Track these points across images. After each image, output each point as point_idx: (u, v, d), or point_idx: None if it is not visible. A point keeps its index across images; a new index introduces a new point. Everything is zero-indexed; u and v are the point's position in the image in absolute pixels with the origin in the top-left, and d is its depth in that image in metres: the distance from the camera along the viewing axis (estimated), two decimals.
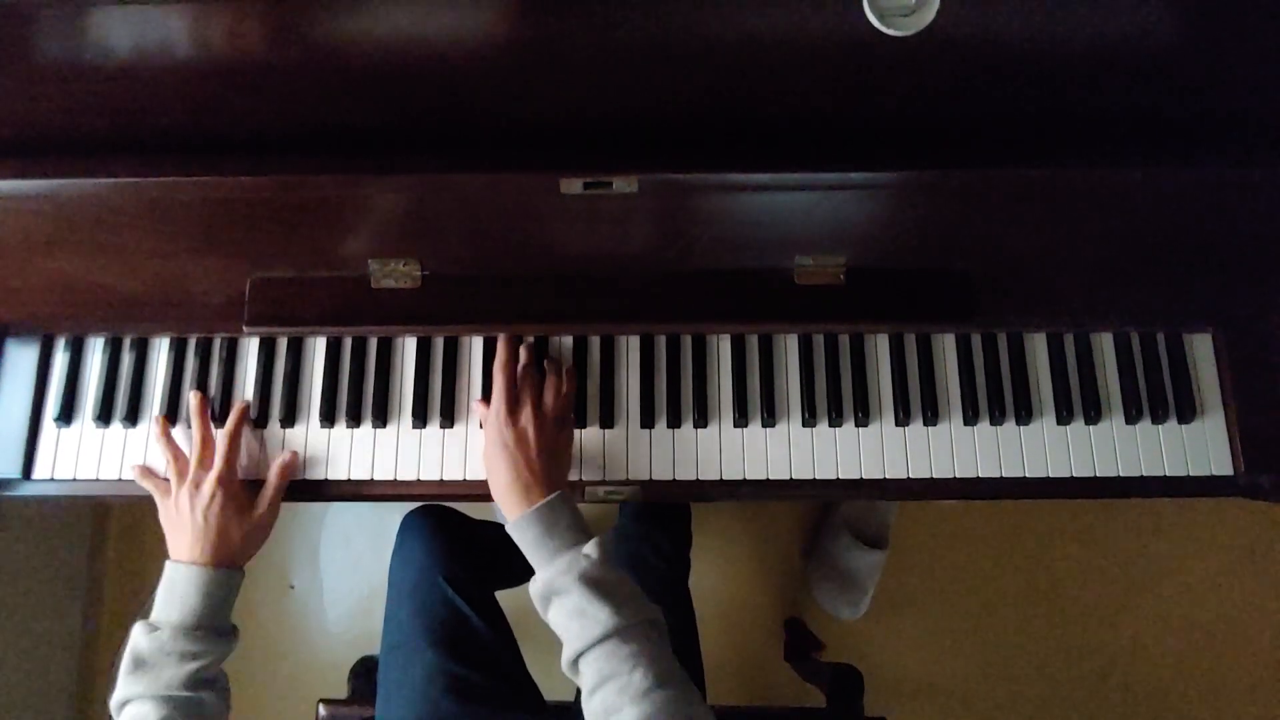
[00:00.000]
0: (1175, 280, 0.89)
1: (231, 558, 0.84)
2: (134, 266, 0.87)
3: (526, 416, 0.84)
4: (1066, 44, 0.79)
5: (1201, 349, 0.94)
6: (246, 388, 0.93)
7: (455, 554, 1.02)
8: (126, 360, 0.94)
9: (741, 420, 0.92)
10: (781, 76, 0.79)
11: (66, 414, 0.92)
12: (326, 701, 1.11)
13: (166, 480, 0.87)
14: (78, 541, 1.58)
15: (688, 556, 1.21)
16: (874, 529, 1.56)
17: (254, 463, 0.91)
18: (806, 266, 0.87)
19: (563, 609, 0.74)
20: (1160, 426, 0.92)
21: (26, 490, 0.91)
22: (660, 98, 0.80)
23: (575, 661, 0.72)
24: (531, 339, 0.93)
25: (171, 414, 0.92)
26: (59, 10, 0.76)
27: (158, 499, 0.87)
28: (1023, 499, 0.92)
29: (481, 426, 0.91)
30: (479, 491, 0.90)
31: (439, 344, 0.94)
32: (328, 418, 0.92)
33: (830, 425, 0.92)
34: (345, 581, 1.65)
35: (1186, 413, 0.91)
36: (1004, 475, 0.90)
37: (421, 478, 0.91)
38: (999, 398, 0.92)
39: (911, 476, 0.91)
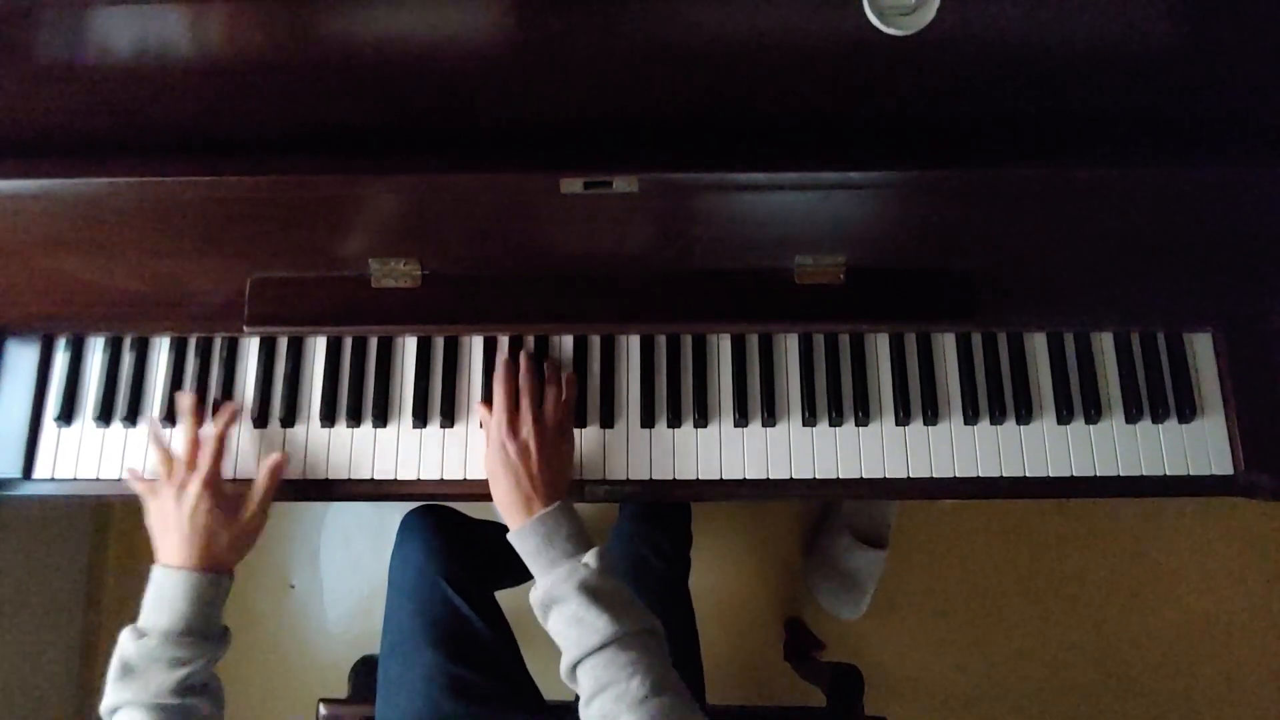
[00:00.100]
0: (1175, 280, 0.89)
1: (220, 561, 0.82)
2: (134, 266, 0.87)
3: (528, 428, 0.84)
4: (1066, 44, 0.79)
5: (1201, 349, 0.94)
6: (247, 388, 0.93)
7: (455, 554, 1.02)
8: (127, 360, 0.94)
9: (742, 420, 0.92)
10: (781, 76, 0.79)
11: (67, 414, 0.92)
12: (326, 701, 1.11)
13: (154, 482, 0.86)
14: (78, 541, 1.58)
15: (688, 556, 1.21)
16: (874, 529, 1.56)
17: (253, 463, 0.91)
18: (806, 266, 0.87)
19: (562, 617, 0.74)
20: (1160, 426, 0.92)
21: (27, 490, 0.91)
22: (660, 98, 0.80)
23: (573, 669, 0.73)
24: (531, 347, 0.93)
25: (172, 414, 0.92)
26: (59, 10, 0.76)
27: (146, 501, 0.85)
28: (1023, 499, 0.93)
29: (482, 427, 0.91)
30: (479, 491, 0.90)
31: (439, 344, 0.94)
32: (328, 418, 0.92)
33: (830, 425, 0.92)
34: (345, 581, 1.65)
35: (1186, 412, 0.91)
36: (1004, 475, 0.90)
37: (421, 477, 0.91)
38: (999, 397, 0.92)
39: (911, 476, 0.91)
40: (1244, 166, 0.80)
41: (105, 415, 0.92)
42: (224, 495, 0.84)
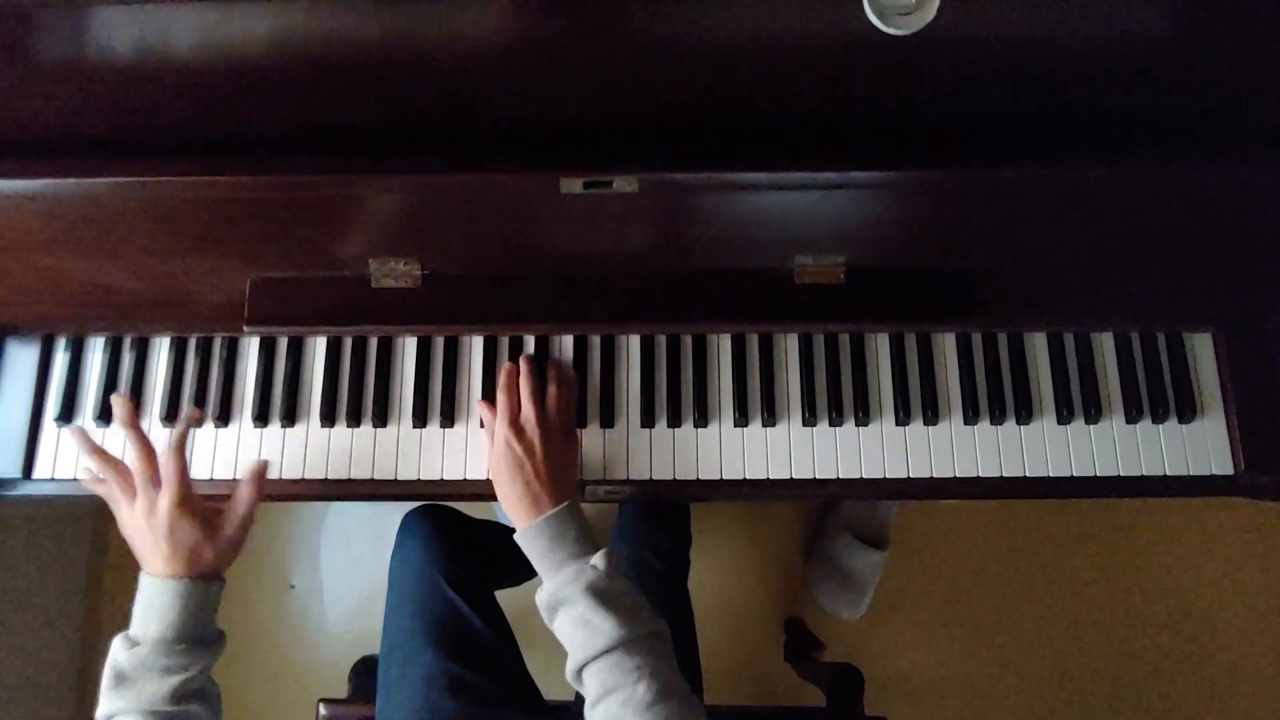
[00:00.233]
0: (1175, 280, 0.89)
1: (207, 569, 0.78)
2: (134, 266, 0.87)
3: (532, 429, 0.85)
4: (1067, 43, 0.79)
5: (1201, 349, 0.94)
6: (247, 388, 0.93)
7: (455, 554, 1.02)
8: (127, 360, 0.94)
9: (742, 420, 0.92)
10: (781, 76, 0.79)
11: (67, 413, 0.92)
12: (326, 701, 1.11)
13: (111, 489, 0.80)
14: (78, 541, 1.58)
15: (688, 556, 1.21)
16: (874, 529, 1.56)
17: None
18: (806, 266, 0.87)
19: (569, 619, 0.74)
20: (1160, 426, 0.92)
21: (27, 490, 0.91)
22: (660, 98, 0.80)
23: (579, 672, 0.73)
24: (531, 347, 0.93)
25: (171, 414, 0.92)
26: (59, 10, 0.76)
27: (115, 510, 0.80)
28: (1023, 499, 0.93)
29: (483, 426, 0.91)
30: (479, 491, 0.90)
31: (439, 344, 0.94)
32: (328, 418, 0.92)
33: (830, 425, 0.92)
34: (345, 581, 1.65)
35: (1187, 412, 0.91)
36: (1004, 475, 0.90)
37: (421, 477, 0.91)
38: (999, 397, 0.92)
39: (911, 476, 0.91)
40: (1244, 166, 0.80)
41: (105, 415, 0.92)
42: (199, 508, 0.78)
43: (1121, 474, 0.90)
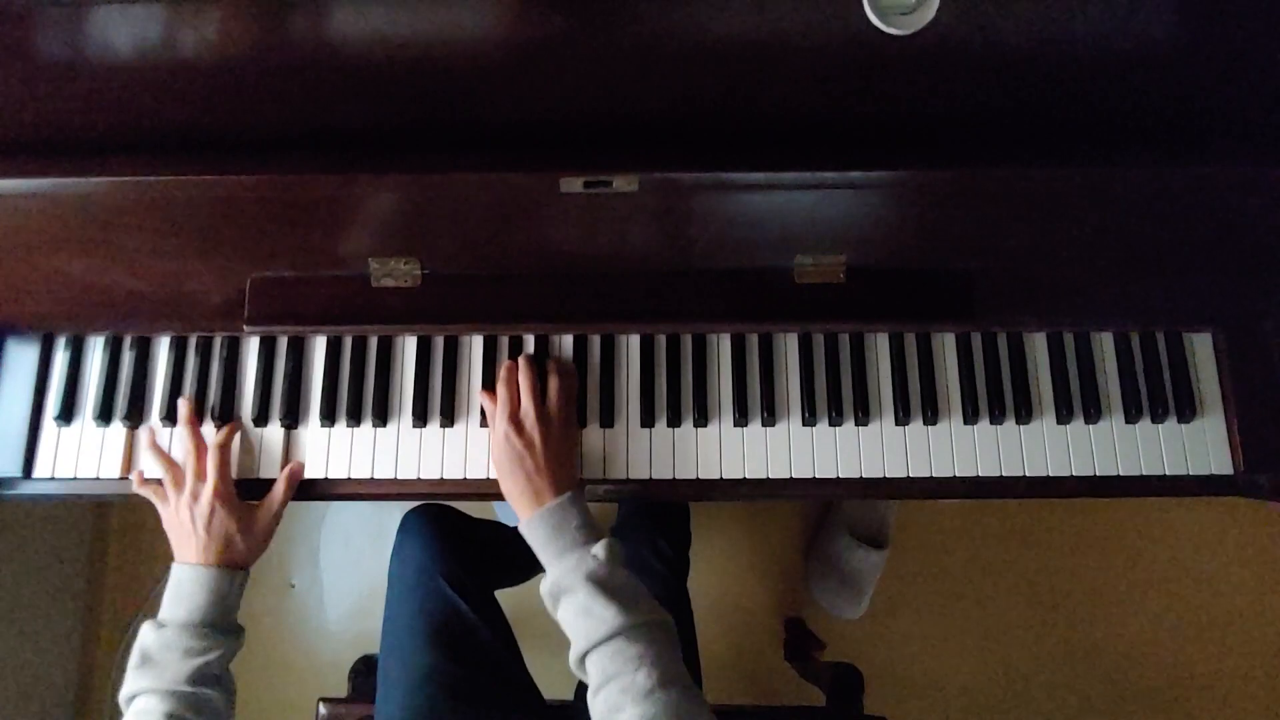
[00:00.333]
0: (1175, 280, 0.89)
1: (236, 560, 0.85)
2: (134, 266, 0.87)
3: (533, 421, 0.85)
4: (1066, 43, 0.79)
5: (1201, 349, 0.94)
6: (247, 387, 0.93)
7: (455, 553, 1.02)
8: (127, 359, 0.94)
9: (741, 420, 0.92)
10: (781, 76, 0.79)
11: (67, 413, 0.92)
12: (326, 701, 1.11)
13: (161, 487, 0.88)
14: (78, 541, 1.58)
15: (687, 557, 1.21)
16: (874, 529, 1.56)
17: (253, 462, 0.91)
18: (806, 266, 0.87)
19: (570, 607, 0.75)
20: (1160, 426, 0.92)
21: (27, 489, 0.91)
22: (660, 97, 0.80)
23: (582, 659, 0.73)
24: (531, 347, 0.93)
25: (172, 414, 0.92)
26: (59, 10, 0.76)
27: (159, 506, 0.88)
28: (1023, 498, 0.92)
29: (484, 419, 0.91)
30: (479, 491, 0.90)
31: (439, 343, 0.94)
32: (328, 417, 0.92)
33: (830, 425, 0.92)
34: (345, 581, 1.65)
35: (1186, 412, 0.91)
36: (1004, 475, 0.90)
37: (421, 477, 0.91)
38: (999, 397, 0.92)
39: (911, 476, 0.91)
40: (1244, 166, 0.80)
41: (105, 415, 0.92)
42: (236, 502, 0.86)
43: (1121, 474, 0.90)
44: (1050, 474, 0.90)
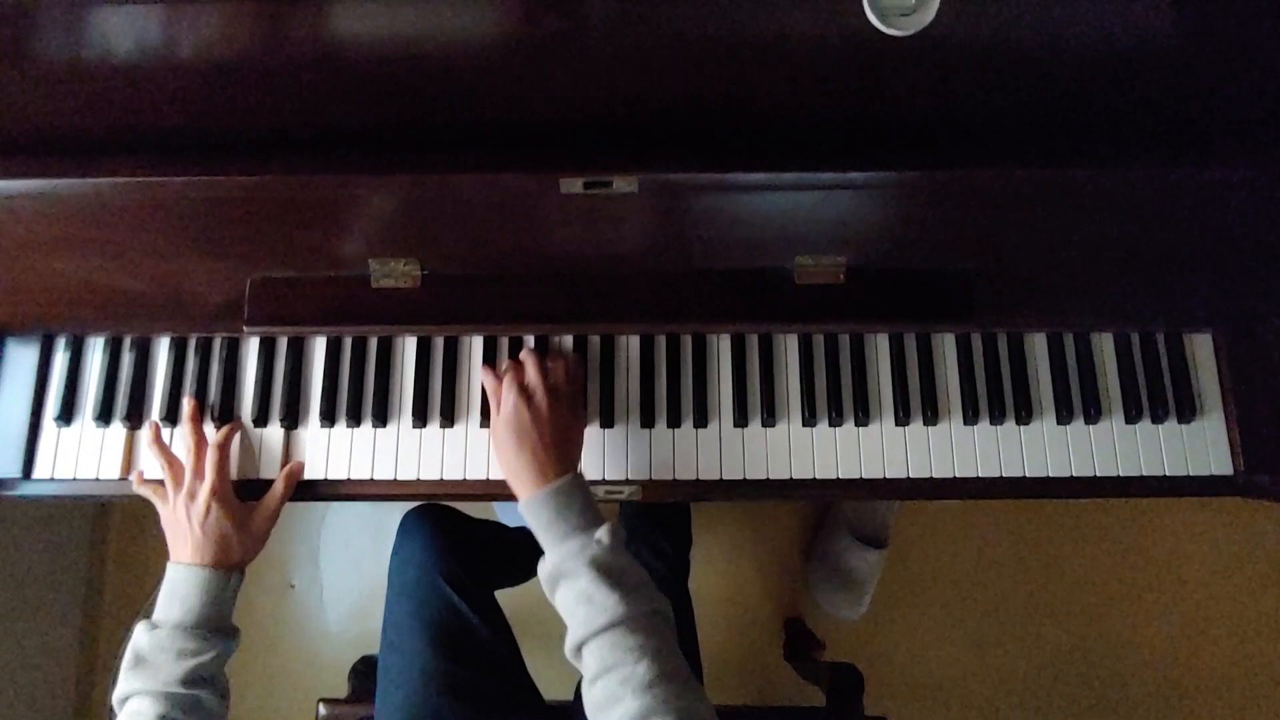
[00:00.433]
0: (1175, 280, 0.89)
1: (231, 560, 0.85)
2: (134, 266, 0.87)
3: (540, 396, 0.84)
4: (1066, 44, 0.79)
5: (1201, 349, 0.94)
6: (247, 387, 0.93)
7: (455, 554, 1.02)
8: (126, 360, 0.94)
9: (741, 420, 0.92)
10: (781, 76, 0.79)
11: (67, 414, 0.92)
12: (326, 701, 1.11)
13: (164, 486, 0.88)
14: (78, 541, 1.58)
15: (688, 558, 1.21)
16: (874, 529, 1.56)
17: (253, 462, 0.91)
18: (806, 266, 0.87)
19: (570, 592, 0.74)
20: (1160, 426, 0.92)
21: (26, 490, 0.91)
22: (660, 98, 0.80)
23: (579, 648, 0.72)
24: (531, 347, 0.93)
25: (172, 414, 0.92)
26: (59, 10, 0.76)
27: (157, 505, 0.87)
28: (1023, 499, 0.93)
29: (484, 419, 0.91)
30: (479, 491, 0.90)
31: (439, 344, 0.94)
32: (328, 418, 0.92)
33: (830, 425, 0.92)
34: (345, 581, 1.65)
35: (1186, 412, 0.91)
36: (1004, 475, 0.90)
37: (421, 477, 0.91)
38: (999, 397, 0.92)
39: (911, 476, 0.91)
40: (1244, 167, 0.80)
41: (105, 415, 0.92)
42: (233, 502, 0.86)
43: (1121, 474, 0.90)
44: (1050, 474, 0.90)
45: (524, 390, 0.84)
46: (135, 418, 0.92)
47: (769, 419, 0.92)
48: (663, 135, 0.80)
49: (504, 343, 0.94)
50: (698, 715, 0.67)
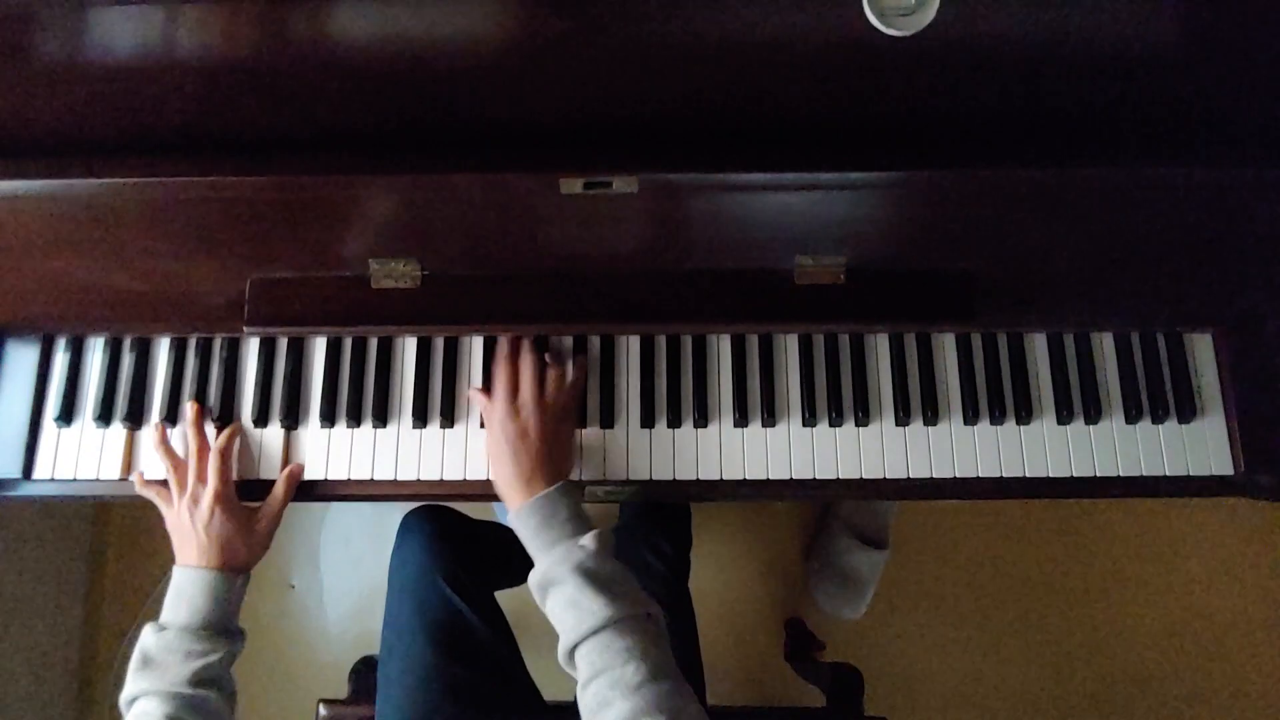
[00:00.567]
0: (1175, 280, 0.89)
1: (236, 562, 0.85)
2: (134, 266, 0.87)
3: (529, 408, 0.85)
4: (1067, 44, 0.79)
5: (1201, 349, 0.94)
6: (247, 388, 0.93)
7: (455, 554, 1.02)
8: (127, 360, 0.94)
9: (741, 420, 0.92)
10: (781, 76, 0.79)
11: (67, 414, 0.92)
12: (326, 701, 1.11)
13: (167, 487, 0.88)
14: (78, 541, 1.58)
15: (688, 558, 1.21)
16: (874, 529, 1.56)
17: (253, 463, 0.91)
18: (806, 266, 0.87)
19: (559, 599, 0.74)
20: (1160, 426, 0.92)
21: (26, 490, 0.91)
22: (660, 98, 0.80)
23: (571, 653, 0.73)
24: (533, 335, 0.93)
25: (172, 415, 0.92)
26: (59, 10, 0.76)
27: (161, 508, 0.88)
28: (1023, 499, 0.93)
29: (482, 417, 0.91)
30: (479, 491, 0.90)
31: (439, 344, 0.94)
32: (328, 418, 0.92)
33: (830, 425, 0.92)
34: (345, 581, 1.65)
35: (1186, 412, 0.91)
36: (1004, 475, 0.90)
37: (421, 478, 0.91)
38: (999, 397, 0.92)
39: (911, 476, 0.91)
40: (1244, 166, 0.80)
41: (105, 416, 0.92)
42: (236, 505, 0.87)
43: (1121, 474, 0.90)
44: (1050, 474, 0.90)
45: (513, 402, 0.85)
46: (135, 418, 0.92)
47: (769, 419, 0.92)
48: (663, 135, 0.80)
49: (504, 343, 0.94)
50: (688, 715, 0.68)
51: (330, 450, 0.92)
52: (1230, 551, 1.64)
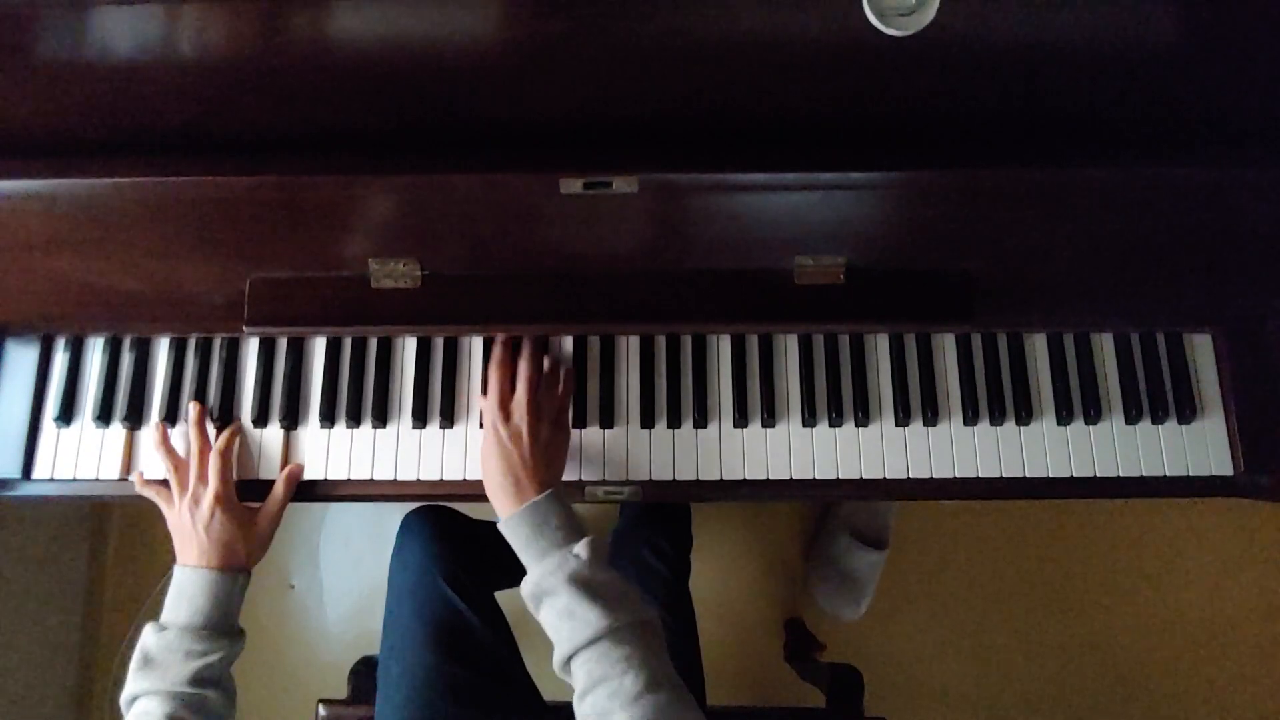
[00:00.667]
0: (1175, 280, 0.89)
1: (237, 564, 0.85)
2: (134, 266, 0.87)
3: (521, 414, 0.84)
4: (1067, 44, 0.79)
5: (1201, 349, 0.94)
6: (247, 388, 0.93)
7: (455, 554, 1.02)
8: (126, 360, 0.94)
9: (741, 420, 0.92)
10: (781, 76, 0.79)
11: (66, 414, 0.92)
12: (326, 701, 1.11)
13: (168, 487, 0.88)
14: (78, 541, 1.58)
15: (688, 558, 1.21)
16: (874, 529, 1.56)
17: (253, 463, 0.91)
18: (806, 266, 0.87)
19: (553, 610, 0.74)
20: (1160, 427, 0.92)
21: (26, 490, 0.91)
22: (660, 98, 0.80)
23: (566, 663, 0.72)
24: (533, 335, 0.93)
25: (172, 415, 0.92)
26: (59, 10, 0.76)
27: (163, 507, 0.88)
28: (1023, 499, 0.93)
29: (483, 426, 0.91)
30: (479, 492, 0.90)
31: (439, 344, 0.94)
32: (328, 418, 0.92)
33: (830, 425, 0.92)
34: (345, 581, 1.65)
35: (1186, 413, 0.91)
36: (1004, 475, 0.90)
37: (421, 478, 0.91)
38: (999, 398, 0.92)
39: (911, 476, 0.91)
40: (1244, 166, 0.80)
41: (105, 416, 0.92)
42: (236, 506, 0.87)
43: (1121, 474, 0.90)
44: (1050, 475, 0.91)
45: (505, 407, 0.84)
46: (135, 418, 0.92)
47: (769, 419, 0.92)
48: (663, 135, 0.80)
49: (499, 347, 0.94)
50: None
51: (330, 450, 0.92)
52: (1230, 551, 1.64)
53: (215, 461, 0.87)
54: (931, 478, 0.90)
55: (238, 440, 0.91)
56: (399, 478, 0.91)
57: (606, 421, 0.92)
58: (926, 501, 1.58)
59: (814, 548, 1.61)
